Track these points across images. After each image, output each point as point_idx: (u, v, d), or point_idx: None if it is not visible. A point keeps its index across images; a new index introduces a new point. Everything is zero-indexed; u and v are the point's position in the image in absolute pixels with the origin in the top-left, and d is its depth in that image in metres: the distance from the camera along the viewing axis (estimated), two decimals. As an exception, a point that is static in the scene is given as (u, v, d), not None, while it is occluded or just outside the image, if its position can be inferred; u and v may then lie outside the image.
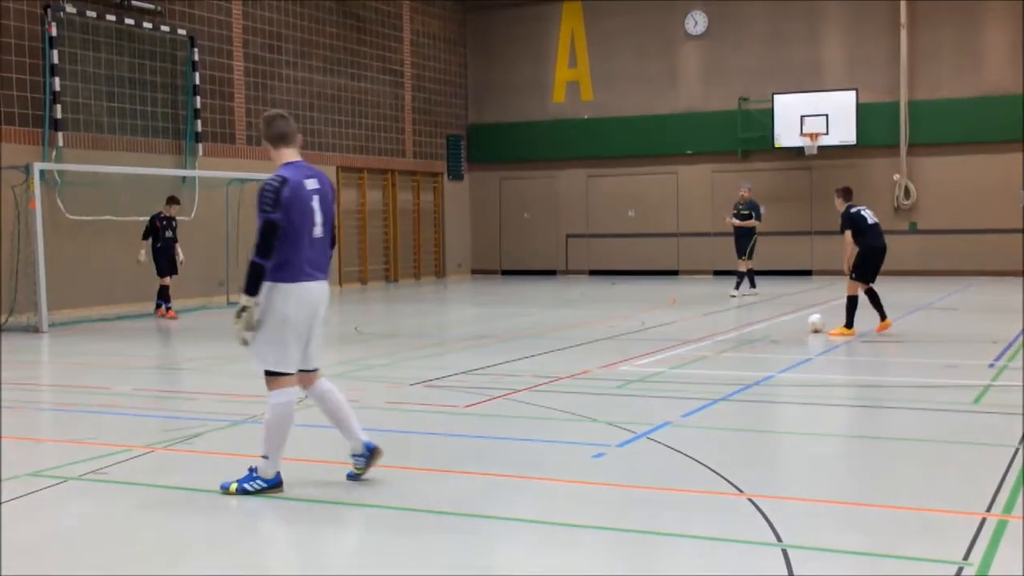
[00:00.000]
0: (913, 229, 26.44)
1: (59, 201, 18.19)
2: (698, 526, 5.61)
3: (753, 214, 20.71)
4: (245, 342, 6.30)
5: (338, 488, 6.52)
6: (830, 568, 4.94)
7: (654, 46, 28.61)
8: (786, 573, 4.84)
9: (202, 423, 8.63)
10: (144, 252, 18.14)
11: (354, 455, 6.56)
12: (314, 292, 6.33)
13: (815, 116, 26.23)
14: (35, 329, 16.27)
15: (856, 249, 13.92)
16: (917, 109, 26.16)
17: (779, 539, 5.33)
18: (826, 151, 26.55)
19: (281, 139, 6.48)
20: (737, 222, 20.74)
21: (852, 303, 13.98)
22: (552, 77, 29.86)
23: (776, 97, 26.62)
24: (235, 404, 9.56)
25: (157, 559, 5.29)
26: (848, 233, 13.94)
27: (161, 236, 18.24)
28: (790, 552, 5.10)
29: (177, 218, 18.62)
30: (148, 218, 18.31)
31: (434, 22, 29.34)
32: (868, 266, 13.93)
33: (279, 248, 6.19)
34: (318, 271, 6.38)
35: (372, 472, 6.65)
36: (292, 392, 6.38)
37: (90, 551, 5.46)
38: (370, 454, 6.53)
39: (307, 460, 7.26)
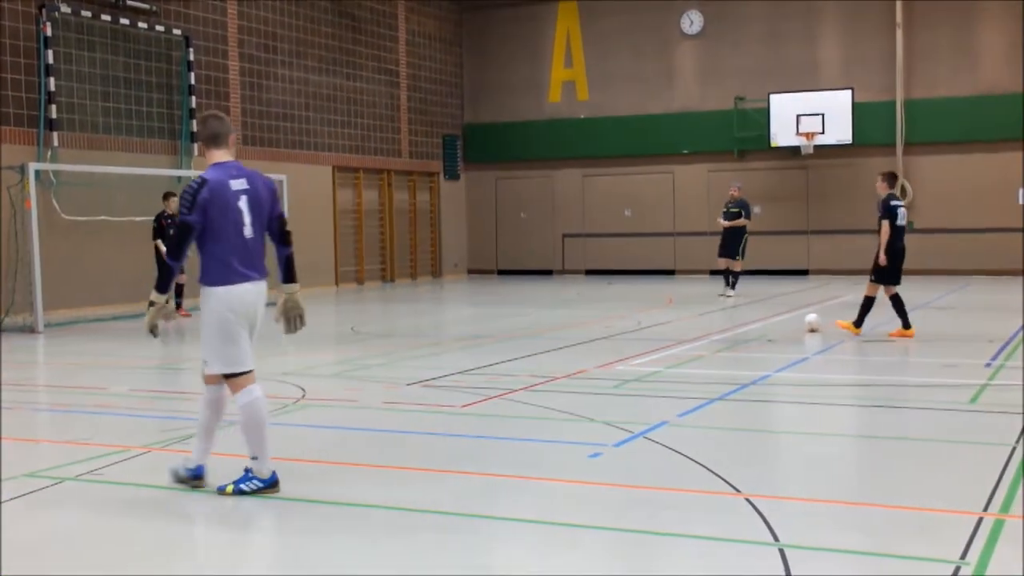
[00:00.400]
0: (910, 228, 26.40)
1: (55, 201, 18.18)
2: (695, 526, 5.61)
3: (743, 212, 20.65)
4: (153, 332, 6.50)
5: (335, 488, 6.52)
6: (827, 567, 4.94)
7: (650, 46, 28.62)
8: (783, 573, 4.85)
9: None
10: (165, 252, 18.06)
11: (255, 477, 6.39)
12: (248, 294, 6.34)
13: (811, 115, 26.25)
14: (31, 329, 16.26)
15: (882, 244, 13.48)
16: (913, 108, 26.18)
17: (776, 539, 5.33)
18: (822, 150, 26.58)
19: (212, 140, 6.51)
20: (726, 223, 20.63)
21: (867, 304, 13.67)
22: (548, 77, 29.87)
23: (772, 96, 26.64)
24: (232, 404, 9.54)
25: (154, 559, 5.29)
26: (887, 223, 13.44)
27: (167, 234, 18.22)
28: (787, 552, 5.11)
29: None
30: (153, 218, 18.31)
31: (429, 22, 29.34)
32: (888, 267, 13.55)
33: (205, 250, 6.29)
34: (251, 271, 6.37)
35: (369, 472, 6.64)
36: (255, 389, 6.41)
37: (87, 551, 5.46)
38: (269, 486, 6.34)
39: (301, 460, 7.26)
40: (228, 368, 6.35)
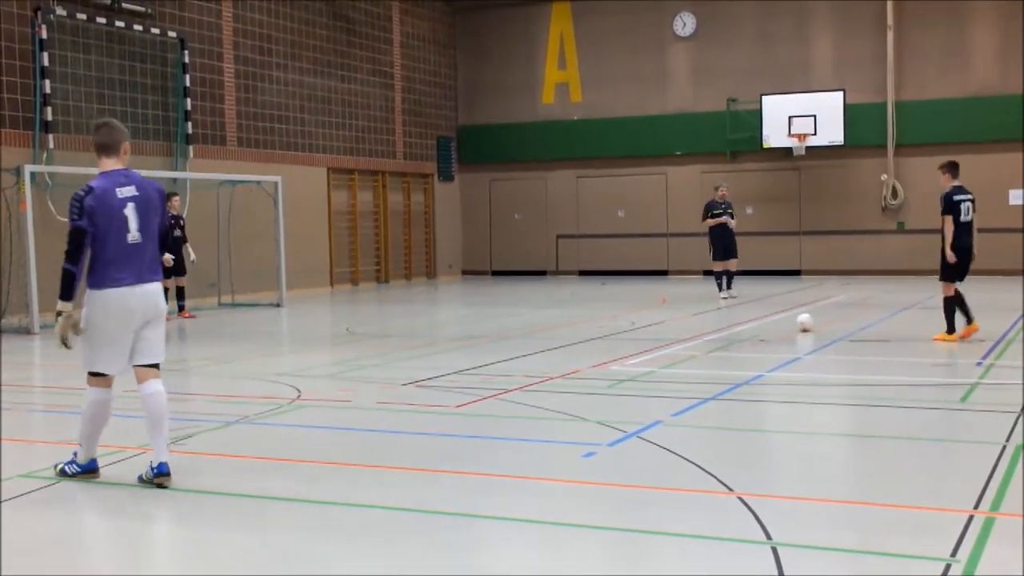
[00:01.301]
0: (901, 229, 26.52)
1: (50, 203, 18.14)
2: (688, 524, 5.63)
3: (731, 213, 20.51)
4: (65, 344, 6.58)
5: (330, 488, 6.53)
6: (819, 566, 4.96)
7: (643, 47, 28.65)
8: (776, 571, 4.86)
9: (195, 424, 8.63)
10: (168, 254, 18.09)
11: (150, 466, 6.61)
12: (128, 297, 6.52)
13: (803, 117, 26.28)
14: (27, 331, 16.24)
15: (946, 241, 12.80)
16: (904, 109, 26.24)
17: (769, 537, 5.35)
18: (814, 152, 26.61)
19: (101, 148, 6.73)
20: (722, 218, 20.30)
21: (949, 305, 12.96)
22: (542, 78, 29.88)
23: (764, 98, 26.67)
24: (228, 405, 9.56)
25: (150, 559, 5.29)
26: (949, 219, 12.83)
27: (170, 235, 18.23)
28: (780, 550, 5.12)
29: (184, 216, 18.68)
30: None
31: (423, 23, 29.34)
32: (954, 265, 12.86)
33: (92, 255, 6.50)
34: (134, 276, 6.55)
35: (363, 472, 6.64)
36: (107, 392, 6.68)
37: (84, 552, 5.46)
38: (157, 477, 6.54)
39: (296, 460, 7.26)
40: (89, 367, 6.66)
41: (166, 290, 18.30)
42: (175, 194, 18.87)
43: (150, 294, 6.63)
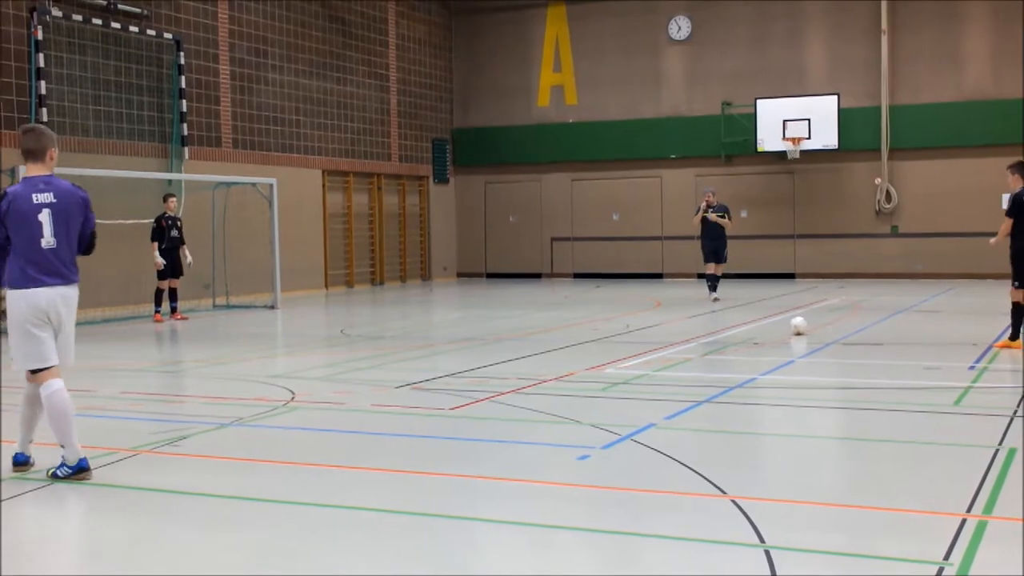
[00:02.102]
0: (895, 232, 26.56)
1: (45, 204, 18.08)
2: (682, 527, 5.62)
3: (726, 215, 20.44)
4: None
5: (324, 490, 6.52)
6: (812, 569, 4.95)
7: (638, 51, 28.68)
8: (769, 573, 4.85)
9: (189, 426, 8.61)
10: (158, 254, 18.10)
11: (64, 464, 6.78)
12: (42, 297, 6.73)
13: (797, 121, 26.32)
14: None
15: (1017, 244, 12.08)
16: (898, 113, 26.28)
17: (762, 540, 5.34)
18: (808, 155, 26.66)
19: (27, 154, 6.98)
20: (711, 216, 20.15)
21: (1017, 311, 12.27)
22: (537, 81, 29.90)
23: (759, 102, 26.70)
24: (222, 407, 9.54)
25: (143, 559, 5.27)
26: (1010, 221, 12.13)
27: (167, 236, 18.23)
28: (773, 553, 5.12)
29: (181, 218, 18.67)
30: (153, 220, 18.33)
31: (419, 26, 29.34)
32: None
33: (9, 256, 6.76)
34: (48, 277, 6.75)
35: (357, 475, 6.62)
36: (56, 383, 6.78)
37: (75, 553, 5.44)
38: (79, 473, 6.75)
39: (290, 462, 7.25)
40: (28, 364, 6.82)
41: (160, 291, 18.32)
42: (172, 195, 18.86)
43: (64, 295, 6.82)
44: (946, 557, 5.00)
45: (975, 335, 13.89)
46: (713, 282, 20.47)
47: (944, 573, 4.80)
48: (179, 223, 18.53)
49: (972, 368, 11.12)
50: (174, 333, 16.58)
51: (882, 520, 5.72)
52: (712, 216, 20.22)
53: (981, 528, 5.46)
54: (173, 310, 18.44)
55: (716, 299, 20.11)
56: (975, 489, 6.19)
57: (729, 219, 20.57)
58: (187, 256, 18.51)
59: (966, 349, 12.57)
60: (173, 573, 5.11)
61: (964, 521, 5.56)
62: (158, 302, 18.38)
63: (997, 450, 7.21)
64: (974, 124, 25.60)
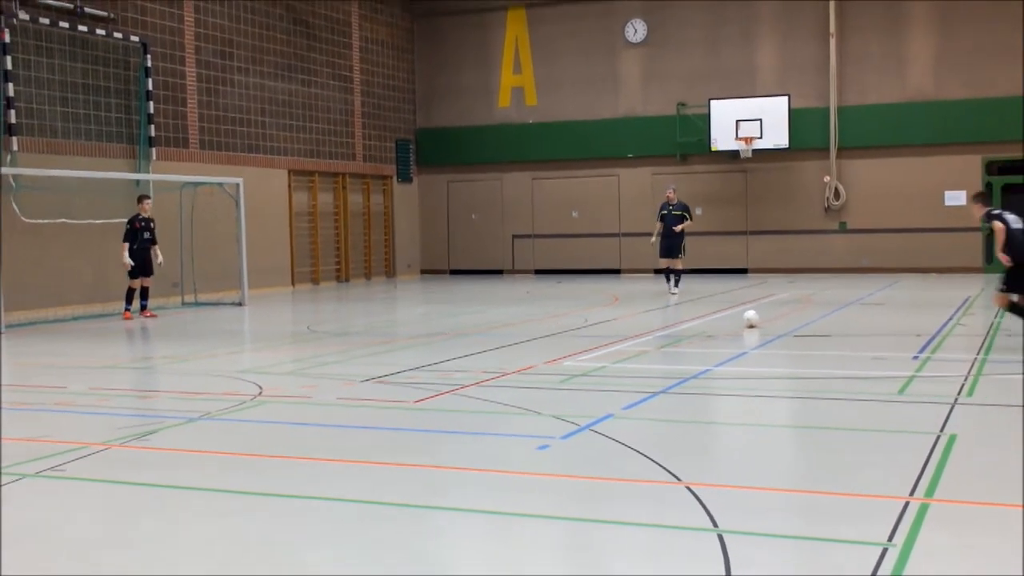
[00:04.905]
0: (843, 229, 26.83)
1: (14, 205, 17.90)
2: (639, 513, 5.67)
3: (686, 215, 20.53)
4: None
5: (291, 482, 6.51)
6: (764, 552, 5.02)
7: (596, 53, 28.75)
8: (722, 557, 4.92)
9: (158, 420, 8.57)
10: (126, 255, 17.97)
11: None
12: None
13: (750, 121, 26.50)
14: (-9, 330, 16.04)
15: None
16: (846, 114, 26.54)
17: (715, 524, 5.40)
18: (760, 154, 26.85)
19: None
20: (675, 228, 20.35)
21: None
22: (498, 83, 29.91)
23: (712, 103, 26.86)
24: (191, 402, 9.50)
25: (111, 554, 5.25)
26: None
27: (139, 238, 18.11)
28: (726, 537, 5.18)
29: (154, 219, 18.52)
30: (126, 220, 18.21)
31: (382, 29, 29.25)
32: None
33: None
34: None
35: (323, 466, 6.61)
36: None
37: (44, 548, 5.41)
38: None
39: (258, 455, 7.24)
40: None
41: (132, 290, 18.20)
42: (147, 197, 18.72)
43: None
44: (890, 538, 5.09)
45: (919, 326, 14.07)
46: (676, 277, 20.44)
47: (887, 554, 4.88)
48: (152, 224, 18.41)
49: (916, 358, 11.27)
50: (143, 330, 16.46)
51: (830, 504, 5.81)
52: (676, 228, 20.23)
53: (923, 511, 5.55)
54: (143, 308, 18.31)
55: (673, 293, 20.16)
56: (918, 473, 6.29)
57: (690, 218, 20.65)
58: (158, 256, 18.39)
59: (910, 340, 12.74)
60: (143, 569, 5.10)
61: (907, 504, 5.66)
62: (129, 300, 18.24)
63: (939, 436, 7.33)
64: (917, 124, 25.92)
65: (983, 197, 12.75)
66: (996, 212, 12.15)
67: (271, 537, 5.41)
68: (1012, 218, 11.91)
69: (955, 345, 12.34)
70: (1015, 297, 11.85)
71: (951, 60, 25.65)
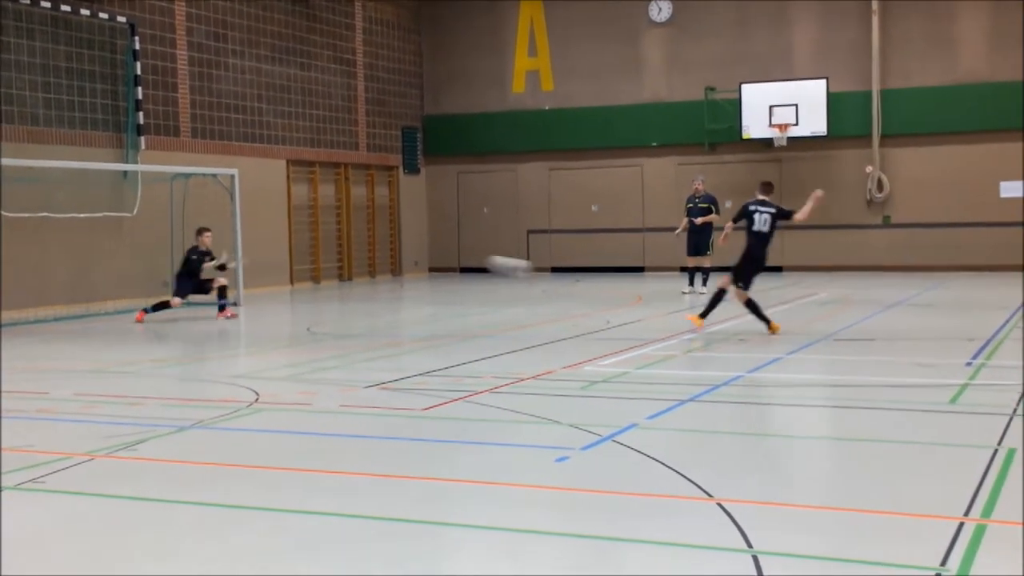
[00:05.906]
0: (887, 223, 26.69)
1: (-8, 196, 17.96)
2: (666, 532, 5.61)
3: (712, 208, 20.71)
4: None
5: (289, 495, 6.48)
6: (802, 575, 4.95)
7: (617, 34, 28.69)
8: (758, 580, 4.86)
9: (147, 429, 8.55)
10: (178, 298, 18.04)
11: None
12: None
13: (784, 106, 26.38)
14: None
15: None
16: (890, 98, 26.40)
17: (750, 545, 5.34)
18: (796, 142, 26.74)
19: None
20: (698, 220, 20.63)
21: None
22: (511, 66, 29.87)
23: (744, 87, 26.77)
24: (181, 409, 9.48)
25: (99, 568, 5.23)
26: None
27: (195, 272, 18.07)
28: (761, 558, 5.12)
29: (211, 251, 18.47)
30: (184, 253, 18.44)
31: (387, 9, 29.25)
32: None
33: None
34: None
35: (323, 479, 6.58)
36: None
37: (26, 566, 5.38)
38: None
39: (253, 466, 7.21)
40: None
41: (167, 305, 18.05)
42: (207, 229, 18.49)
43: None
44: (943, 563, 5.01)
45: (971, 330, 13.96)
46: (704, 276, 20.55)
47: (941, 578, 4.81)
48: (208, 258, 18.30)
49: (969, 364, 11.18)
50: (131, 333, 16.46)
51: (875, 523, 5.73)
52: (698, 221, 20.49)
53: (980, 532, 5.47)
54: (222, 307, 18.24)
55: (686, 293, 20.30)
56: (973, 491, 6.21)
57: (717, 212, 20.75)
58: (224, 261, 18.38)
59: (962, 345, 12.64)
60: (129, 586, 5.07)
61: (962, 524, 5.58)
62: (156, 308, 18.06)
63: (996, 450, 7.24)
64: (969, 108, 25.74)
65: None
66: None
67: (268, 554, 5.37)
68: None
69: (1012, 351, 12.21)
70: None
71: (1005, 38, 25.47)
